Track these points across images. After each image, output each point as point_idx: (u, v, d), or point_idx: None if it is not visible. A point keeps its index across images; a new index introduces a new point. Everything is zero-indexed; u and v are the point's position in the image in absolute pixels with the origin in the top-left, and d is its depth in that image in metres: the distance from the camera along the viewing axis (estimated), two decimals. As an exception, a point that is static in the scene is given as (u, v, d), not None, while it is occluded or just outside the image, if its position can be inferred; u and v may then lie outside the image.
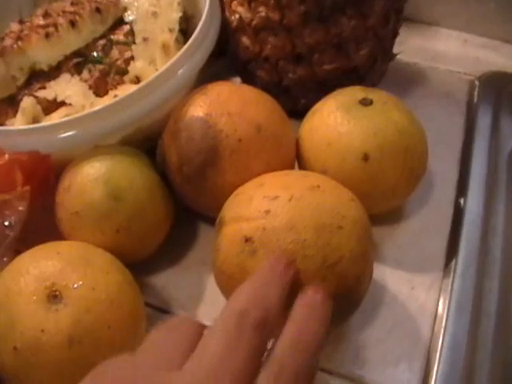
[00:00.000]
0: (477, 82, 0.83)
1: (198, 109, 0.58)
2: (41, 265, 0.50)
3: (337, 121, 0.59)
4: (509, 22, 0.88)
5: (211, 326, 0.38)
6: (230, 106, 0.58)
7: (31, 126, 0.61)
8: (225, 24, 0.71)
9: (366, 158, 0.57)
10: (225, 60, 0.77)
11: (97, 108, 0.58)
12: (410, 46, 0.86)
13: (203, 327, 0.40)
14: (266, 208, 0.49)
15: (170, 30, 0.68)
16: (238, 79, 0.79)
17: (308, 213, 0.48)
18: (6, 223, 0.55)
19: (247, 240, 0.48)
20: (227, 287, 0.51)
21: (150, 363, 0.37)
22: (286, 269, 0.43)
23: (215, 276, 0.53)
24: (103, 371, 0.37)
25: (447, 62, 0.86)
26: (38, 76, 0.71)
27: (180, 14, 0.69)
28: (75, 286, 0.48)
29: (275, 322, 0.39)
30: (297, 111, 0.68)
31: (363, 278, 0.50)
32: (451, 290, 0.60)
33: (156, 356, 0.37)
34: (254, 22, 0.67)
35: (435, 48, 0.89)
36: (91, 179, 0.56)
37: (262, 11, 0.66)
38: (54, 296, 0.48)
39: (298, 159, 0.64)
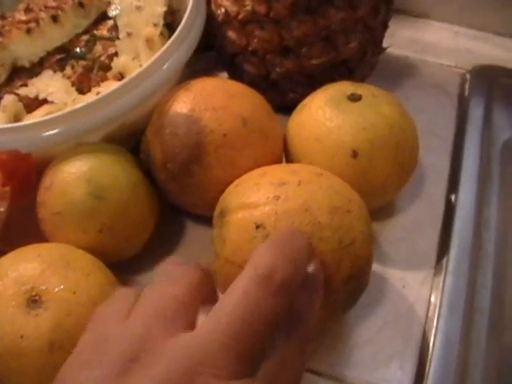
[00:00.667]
0: (468, 75, 0.82)
1: (182, 104, 0.57)
2: (20, 268, 0.49)
3: (325, 116, 0.58)
4: (500, 13, 0.87)
5: (230, 287, 0.36)
6: (214, 101, 0.57)
7: (13, 125, 0.59)
8: (211, 17, 0.70)
9: (354, 154, 0.56)
10: (211, 54, 0.75)
11: (79, 105, 0.57)
12: (400, 39, 0.85)
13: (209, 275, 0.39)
14: (274, 193, 0.48)
15: (155, 25, 0.66)
16: (225, 74, 0.78)
17: (320, 195, 0.48)
18: (-14, 224, 0.54)
19: (258, 226, 0.46)
20: (234, 278, 0.50)
21: (152, 324, 0.35)
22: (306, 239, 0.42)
23: (218, 268, 0.50)
24: (103, 334, 0.36)
25: (438, 54, 0.85)
26: (20, 72, 0.70)
27: (165, 8, 0.67)
28: (56, 289, 0.47)
29: (299, 285, 0.38)
30: (285, 105, 0.67)
31: (371, 260, 0.51)
32: (443, 287, 0.59)
33: (158, 312, 0.35)
34: (240, 16, 0.66)
35: (426, 40, 0.88)
36: (73, 178, 0.55)
37: (248, 4, 0.65)
38: (33, 300, 0.47)
39: (285, 155, 0.62)
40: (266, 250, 0.38)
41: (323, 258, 0.45)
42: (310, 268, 0.41)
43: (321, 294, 0.41)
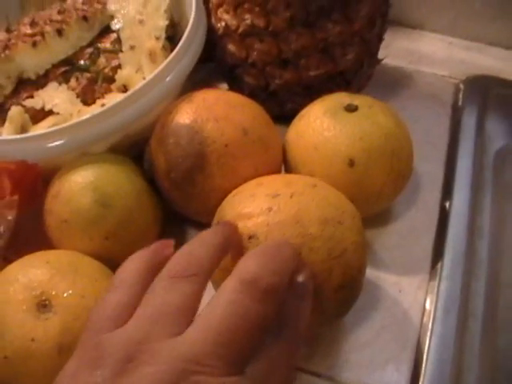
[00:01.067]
0: (462, 85, 0.83)
1: (185, 115, 0.59)
2: (30, 274, 0.50)
3: (323, 126, 0.60)
4: (493, 24, 0.89)
5: (218, 290, 0.38)
6: (215, 112, 0.59)
7: (21, 136, 0.61)
8: (211, 30, 0.72)
9: (351, 162, 0.58)
10: (211, 65, 0.77)
11: (85, 117, 0.59)
12: (395, 50, 0.87)
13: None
14: (268, 205, 0.49)
15: (157, 38, 0.68)
16: (224, 84, 0.80)
17: (312, 207, 0.49)
18: (-4, 232, 0.55)
19: (251, 237, 0.48)
20: None
21: (150, 328, 0.36)
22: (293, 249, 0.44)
23: (216, 276, 0.52)
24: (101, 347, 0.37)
25: (432, 64, 0.87)
26: (26, 84, 0.71)
27: (166, 22, 0.69)
28: (64, 294, 0.49)
29: (286, 292, 0.40)
30: (284, 115, 0.69)
31: (363, 269, 0.52)
32: (438, 291, 0.60)
33: (157, 318, 0.37)
34: (240, 29, 0.68)
35: (420, 51, 0.90)
36: (79, 187, 0.57)
37: (248, 18, 0.67)
38: (43, 305, 0.48)
39: (284, 163, 0.64)
40: (252, 257, 0.40)
41: (314, 268, 0.47)
42: (300, 277, 0.43)
43: (309, 302, 0.43)
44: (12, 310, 0.48)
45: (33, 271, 0.51)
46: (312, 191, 0.51)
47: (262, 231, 0.48)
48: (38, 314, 0.48)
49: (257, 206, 0.50)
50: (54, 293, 0.49)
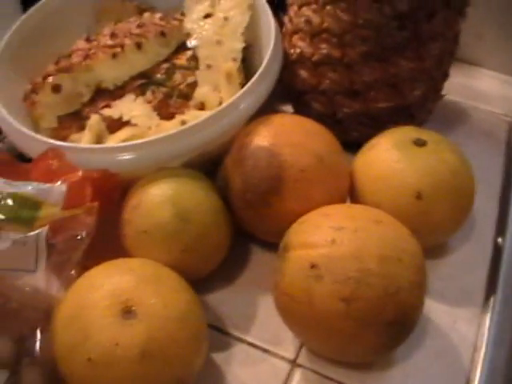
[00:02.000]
0: (516, 124, 0.86)
1: (263, 139, 0.61)
2: (115, 280, 0.53)
3: (392, 158, 0.62)
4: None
5: None
6: (293, 137, 0.62)
7: (104, 146, 0.65)
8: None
9: (419, 196, 0.60)
10: (278, 87, 0.79)
11: (164, 134, 0.62)
12: (454, 85, 0.87)
13: None
14: (331, 237, 0.52)
15: (234, 59, 0.70)
16: (289, 107, 0.82)
17: (372, 244, 0.52)
18: (78, 237, 0.57)
19: (313, 266, 0.51)
20: (289, 309, 0.55)
21: None
22: None
23: (276, 298, 0.56)
24: None
25: (488, 102, 0.89)
26: (102, 94, 0.74)
27: (244, 44, 0.72)
28: (149, 302, 0.50)
29: None
30: (348, 143, 0.70)
31: (418, 307, 0.54)
32: (490, 324, 0.62)
33: None
34: (314, 57, 0.70)
35: (478, 88, 0.91)
36: (159, 200, 0.59)
37: (325, 48, 0.69)
38: (129, 311, 0.50)
39: (351, 191, 0.66)
40: None
41: (369, 302, 0.50)
42: None
43: None
44: (97, 315, 0.50)
45: (117, 278, 0.53)
46: (375, 227, 0.54)
47: (323, 262, 0.51)
48: (122, 320, 0.49)
49: (320, 237, 0.53)
50: (139, 300, 0.50)
